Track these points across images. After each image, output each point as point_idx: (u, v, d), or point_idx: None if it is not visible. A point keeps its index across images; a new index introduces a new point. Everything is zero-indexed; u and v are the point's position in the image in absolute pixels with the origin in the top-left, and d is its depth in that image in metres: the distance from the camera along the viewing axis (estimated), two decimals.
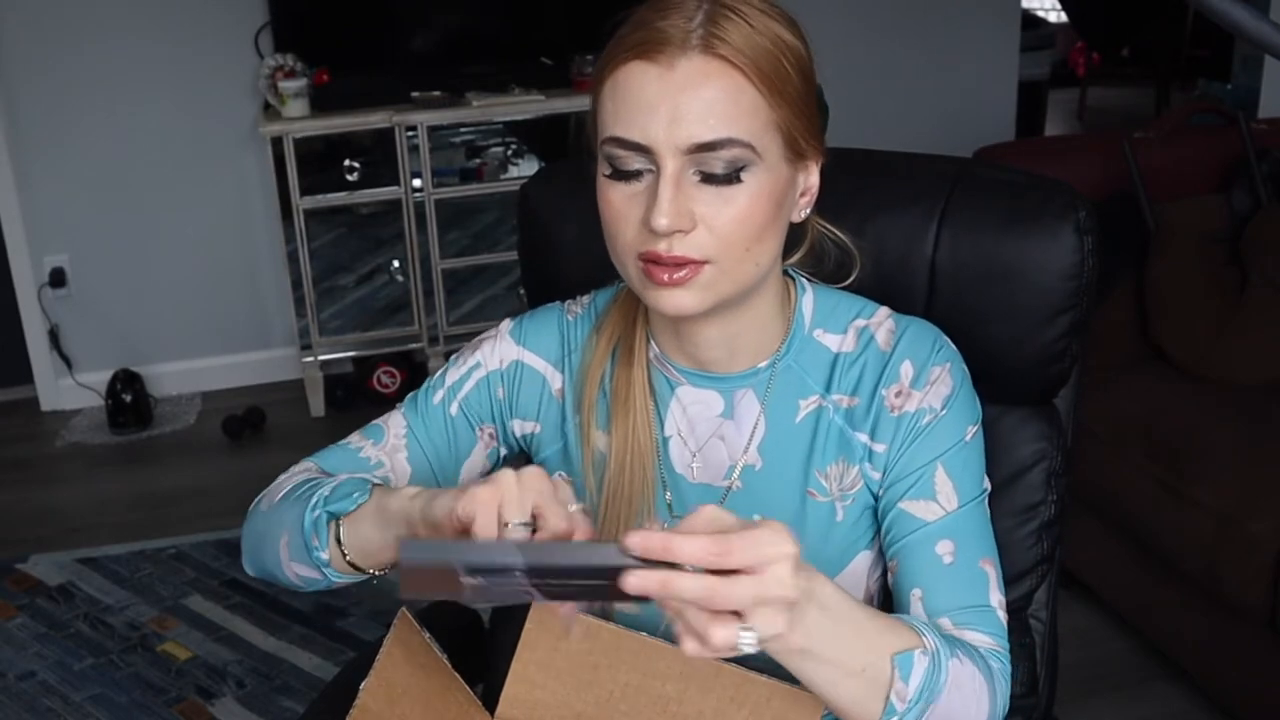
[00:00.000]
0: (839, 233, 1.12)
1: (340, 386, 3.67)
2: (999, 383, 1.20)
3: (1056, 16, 7.34)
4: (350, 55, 3.52)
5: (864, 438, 1.06)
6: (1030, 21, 5.97)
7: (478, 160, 3.50)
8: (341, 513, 0.98)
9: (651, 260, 0.95)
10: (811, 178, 1.02)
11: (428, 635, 1.03)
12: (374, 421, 1.15)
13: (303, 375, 3.64)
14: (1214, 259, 2.52)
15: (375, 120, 3.40)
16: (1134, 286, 2.55)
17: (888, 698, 0.88)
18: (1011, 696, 1.20)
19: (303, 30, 3.51)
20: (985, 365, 1.14)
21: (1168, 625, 2.29)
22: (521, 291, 3.94)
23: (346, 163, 3.41)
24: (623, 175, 0.95)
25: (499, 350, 1.14)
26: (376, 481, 1.02)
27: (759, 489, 1.07)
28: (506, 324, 1.16)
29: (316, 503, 0.99)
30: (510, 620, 1.35)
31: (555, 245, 1.33)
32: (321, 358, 3.58)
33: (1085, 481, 2.34)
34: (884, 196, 1.25)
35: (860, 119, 4.00)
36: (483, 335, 1.17)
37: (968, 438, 1.05)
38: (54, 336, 3.71)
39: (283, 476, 1.10)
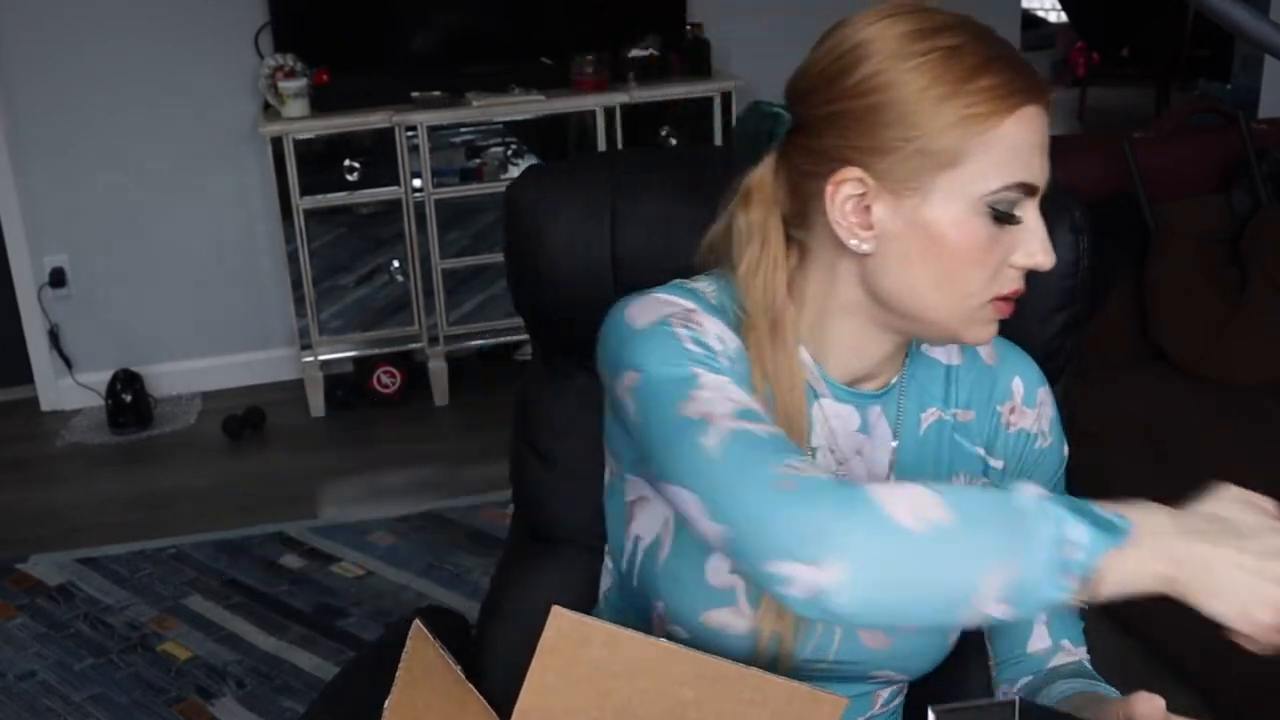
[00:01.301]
0: None
1: (340, 386, 3.67)
2: None
3: (1056, 16, 7.34)
4: (350, 55, 3.52)
5: (981, 451, 1.09)
6: (1030, 21, 5.98)
7: (478, 160, 3.50)
8: (1116, 545, 0.81)
9: (1011, 298, 0.97)
10: None
11: (441, 646, 1.02)
12: (727, 409, 0.91)
13: (303, 375, 3.64)
14: (1214, 259, 2.52)
15: (375, 120, 3.40)
16: (1134, 286, 2.55)
17: None
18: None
19: (303, 30, 3.51)
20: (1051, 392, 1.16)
21: (1168, 626, 2.29)
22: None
23: (346, 163, 3.41)
24: (1003, 218, 0.94)
25: (715, 333, 0.98)
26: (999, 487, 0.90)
27: None
28: (685, 301, 0.99)
29: (1068, 536, 0.80)
30: (496, 624, 1.35)
31: (542, 248, 1.32)
32: (321, 358, 3.58)
33: (1085, 481, 2.34)
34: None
35: None
36: (670, 312, 0.98)
37: (1065, 463, 1.12)
38: (54, 336, 3.71)
39: (834, 483, 0.84)
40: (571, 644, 0.96)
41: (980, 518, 0.82)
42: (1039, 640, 1.08)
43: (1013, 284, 0.96)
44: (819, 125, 0.96)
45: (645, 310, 0.99)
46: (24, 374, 3.74)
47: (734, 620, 1.03)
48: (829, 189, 0.96)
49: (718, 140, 3.61)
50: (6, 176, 3.54)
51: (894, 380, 1.07)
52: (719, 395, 0.91)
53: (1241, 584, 0.80)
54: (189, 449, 3.51)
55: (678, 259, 1.15)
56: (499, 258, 4.07)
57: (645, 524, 1.06)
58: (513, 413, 1.39)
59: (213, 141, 3.65)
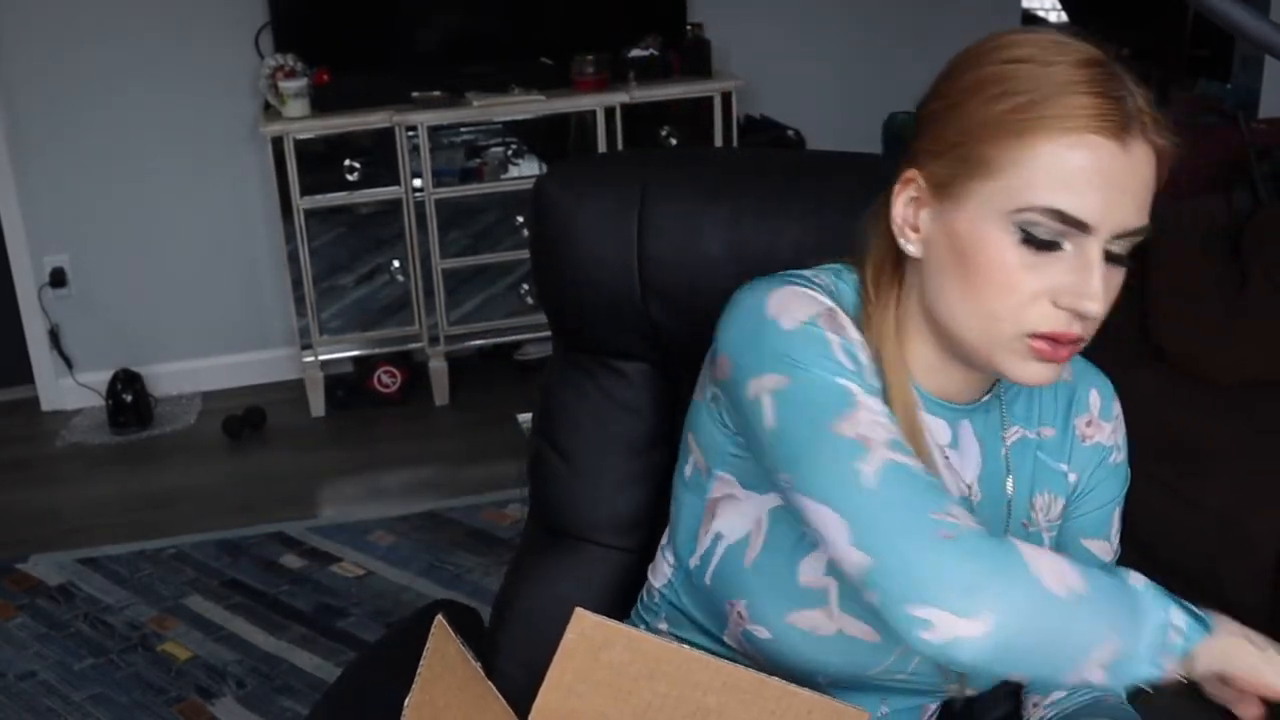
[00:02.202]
0: None
1: (340, 386, 3.67)
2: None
3: (1056, 16, 7.34)
4: (350, 55, 3.52)
5: (1064, 467, 1.10)
6: (1030, 21, 5.97)
7: (478, 160, 3.50)
8: (1206, 637, 0.92)
9: (1050, 339, 0.92)
10: None
11: (462, 642, 1.02)
12: (880, 436, 0.91)
13: (303, 375, 3.64)
14: (1214, 259, 2.52)
15: (375, 120, 3.40)
16: (1134, 286, 2.55)
17: None
18: (1012, 694, 1.21)
19: (303, 30, 3.51)
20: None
21: None
22: (524, 289, 3.94)
23: (346, 163, 3.40)
24: (1037, 244, 0.90)
25: (850, 348, 0.96)
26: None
27: (980, 519, 1.04)
28: (826, 302, 0.97)
29: (1167, 623, 0.90)
30: (511, 621, 1.35)
31: (568, 241, 1.31)
32: (322, 357, 3.57)
33: None
34: (876, 198, 1.25)
35: (860, 119, 3.99)
36: (814, 316, 0.95)
37: (1129, 481, 1.13)
38: (54, 336, 3.71)
39: (998, 542, 0.88)
40: (593, 646, 0.96)
41: (1107, 592, 0.88)
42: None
43: (1051, 323, 0.91)
44: (917, 128, 0.97)
45: (789, 303, 0.96)
46: (24, 374, 3.74)
47: (823, 622, 1.02)
48: (896, 189, 0.97)
49: (718, 140, 3.61)
50: (6, 176, 3.54)
51: (984, 397, 1.06)
52: (875, 420, 0.92)
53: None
54: (189, 449, 3.51)
55: (704, 256, 1.15)
56: (499, 258, 4.07)
57: (731, 522, 1.05)
58: (534, 409, 1.39)
59: (213, 141, 3.65)
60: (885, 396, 0.96)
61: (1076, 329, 0.91)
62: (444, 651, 0.98)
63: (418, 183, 3.45)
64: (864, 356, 0.96)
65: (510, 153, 3.52)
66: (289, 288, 3.51)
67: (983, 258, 0.91)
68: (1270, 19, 0.65)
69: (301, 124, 3.36)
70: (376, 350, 3.61)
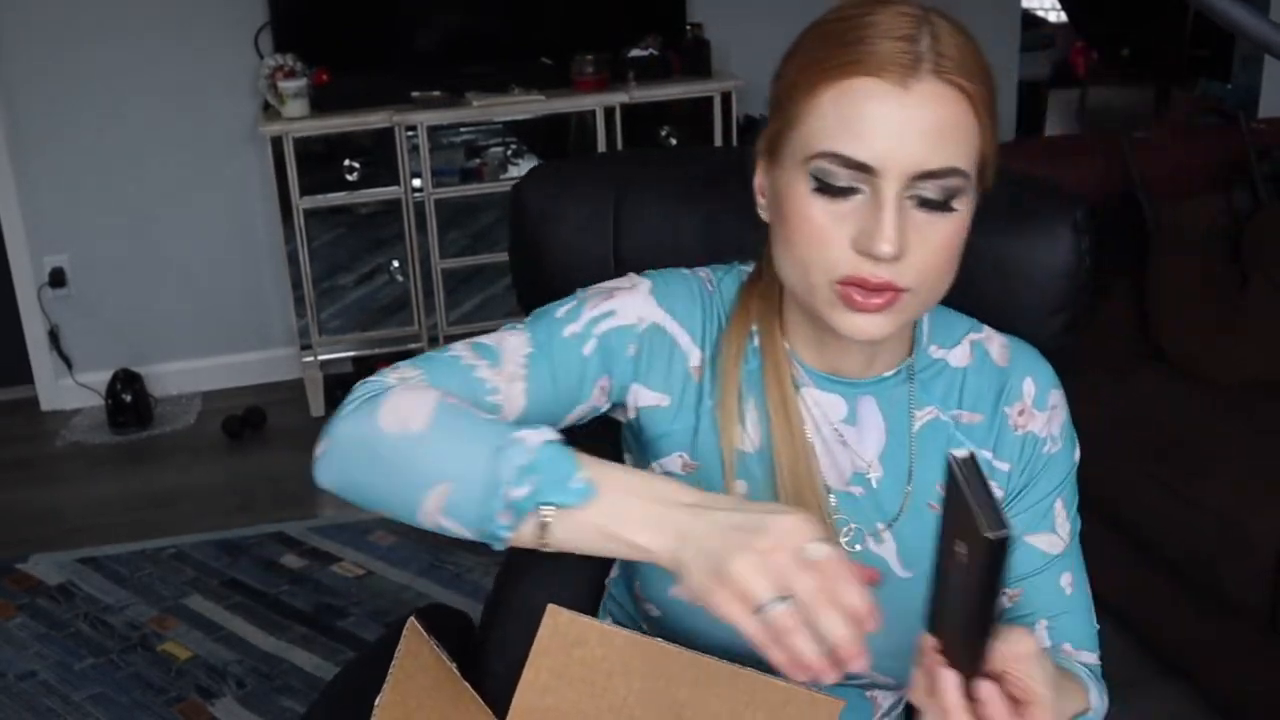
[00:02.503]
0: None
1: (340, 386, 3.66)
2: None
3: (1056, 16, 7.34)
4: (350, 55, 3.52)
5: (988, 454, 1.07)
6: (1030, 21, 5.97)
7: (478, 160, 3.50)
8: (564, 504, 0.85)
9: (855, 284, 0.92)
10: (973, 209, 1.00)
11: (436, 643, 1.02)
12: (483, 339, 1.04)
13: (303, 375, 3.64)
14: (1214, 259, 2.52)
15: (375, 120, 3.40)
16: (1134, 286, 2.55)
17: None
18: None
19: (303, 30, 3.51)
20: (1064, 394, 1.16)
21: (1168, 625, 2.29)
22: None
23: (346, 163, 3.41)
24: (833, 191, 0.91)
25: (637, 307, 1.05)
26: (562, 441, 0.88)
27: (881, 498, 1.07)
28: (644, 283, 1.06)
29: (512, 479, 0.84)
30: (500, 622, 1.35)
31: (547, 246, 1.33)
32: (321, 357, 3.58)
33: (1085, 481, 2.34)
34: None
35: None
36: (611, 284, 1.06)
37: (1075, 466, 1.10)
38: (54, 336, 3.71)
39: (400, 387, 0.93)
40: (566, 643, 0.96)
41: (454, 438, 0.88)
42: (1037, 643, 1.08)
43: (853, 267, 0.91)
44: None
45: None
46: (24, 374, 3.74)
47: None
48: (753, 159, 1.01)
49: (718, 140, 3.61)
50: (6, 176, 3.54)
51: (889, 373, 1.06)
52: (509, 339, 1.05)
53: (702, 546, 0.82)
54: (189, 449, 3.51)
55: (679, 258, 1.15)
56: (499, 258, 4.08)
57: None
58: None
59: (213, 141, 3.65)
60: (762, 377, 1.03)
61: (884, 274, 0.91)
62: (417, 653, 0.98)
63: (417, 183, 3.45)
64: (633, 317, 1.03)
65: (510, 153, 3.52)
66: (289, 288, 3.51)
67: (790, 209, 0.94)
68: (1270, 19, 0.65)
69: (301, 124, 3.36)
70: (376, 350, 3.61)
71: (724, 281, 1.09)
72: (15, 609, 2.73)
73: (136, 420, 3.60)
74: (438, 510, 0.87)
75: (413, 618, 1.00)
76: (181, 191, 3.68)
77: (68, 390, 3.74)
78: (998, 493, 0.80)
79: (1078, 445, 1.11)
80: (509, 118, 3.49)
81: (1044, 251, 1.18)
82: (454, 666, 1.03)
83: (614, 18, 3.67)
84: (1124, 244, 2.58)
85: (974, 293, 1.20)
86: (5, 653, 2.57)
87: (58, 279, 3.66)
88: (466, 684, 1.04)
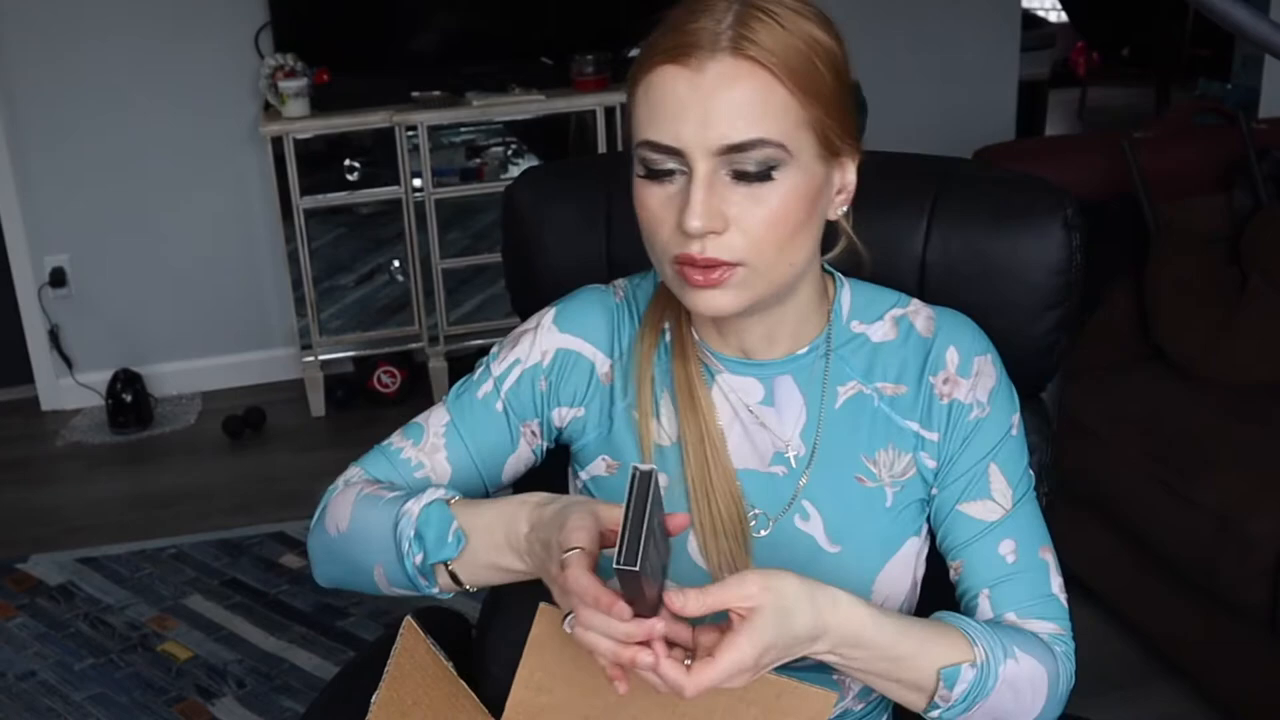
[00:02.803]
0: (852, 232, 1.11)
1: (340, 386, 3.67)
2: None
3: (1056, 16, 7.34)
4: (350, 55, 3.52)
5: (914, 425, 1.07)
6: (1030, 21, 5.97)
7: (478, 160, 3.50)
8: (447, 559, 0.99)
9: (686, 263, 0.96)
10: (848, 175, 1.03)
11: (433, 642, 1.02)
12: (416, 419, 1.14)
13: (303, 375, 3.64)
14: (1214, 259, 2.52)
15: (375, 120, 3.40)
16: (1134, 286, 2.55)
17: (932, 698, 0.97)
18: None
19: (303, 30, 3.51)
20: (998, 361, 1.15)
21: (1168, 625, 2.29)
22: None
23: (346, 163, 3.40)
24: (656, 176, 0.96)
25: (540, 343, 1.12)
26: (447, 497, 1.02)
27: (803, 475, 1.08)
28: (549, 314, 1.13)
29: (410, 549, 0.99)
30: (498, 623, 1.35)
31: (539, 247, 1.34)
32: (321, 358, 3.57)
33: (1085, 482, 2.34)
34: (874, 195, 1.25)
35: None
36: (522, 329, 1.15)
37: (1013, 430, 1.08)
38: (54, 336, 3.71)
39: (339, 491, 1.10)
40: (559, 640, 0.97)
41: (367, 528, 1.04)
42: (982, 615, 1.06)
43: (680, 246, 0.95)
44: None
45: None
46: (24, 374, 3.74)
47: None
48: None
49: None
50: (6, 176, 3.54)
51: (802, 350, 1.07)
52: (432, 414, 1.15)
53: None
54: (189, 449, 3.51)
55: None
56: (499, 257, 4.07)
57: None
58: None
59: (213, 141, 3.65)
60: (670, 372, 1.08)
61: (711, 251, 0.95)
62: (413, 651, 0.98)
63: (417, 182, 3.45)
64: (536, 356, 1.11)
65: (510, 152, 3.52)
66: (289, 288, 3.51)
67: (635, 198, 0.99)
68: (1270, 19, 0.65)
69: (301, 124, 3.36)
70: (376, 350, 3.61)
71: (641, 286, 1.14)
72: (15, 609, 2.73)
73: (137, 420, 3.60)
74: (385, 586, 1.04)
75: (409, 617, 1.00)
76: (182, 191, 3.68)
77: (68, 390, 3.74)
78: (657, 521, 0.83)
79: (1019, 410, 1.09)
80: (509, 118, 3.49)
81: (1035, 248, 1.19)
82: (450, 665, 1.04)
83: (614, 18, 3.67)
84: (1124, 244, 2.58)
85: (966, 290, 1.21)
86: (5, 653, 2.57)
87: (58, 279, 3.66)
88: (463, 682, 1.04)
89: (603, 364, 1.11)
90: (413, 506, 1.00)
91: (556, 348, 1.12)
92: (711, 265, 0.95)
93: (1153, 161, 2.64)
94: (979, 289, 1.20)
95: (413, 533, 0.99)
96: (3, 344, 3.72)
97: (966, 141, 3.05)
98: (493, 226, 3.53)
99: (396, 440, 1.14)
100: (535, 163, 3.50)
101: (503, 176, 3.50)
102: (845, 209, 1.04)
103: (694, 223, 0.93)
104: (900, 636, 0.94)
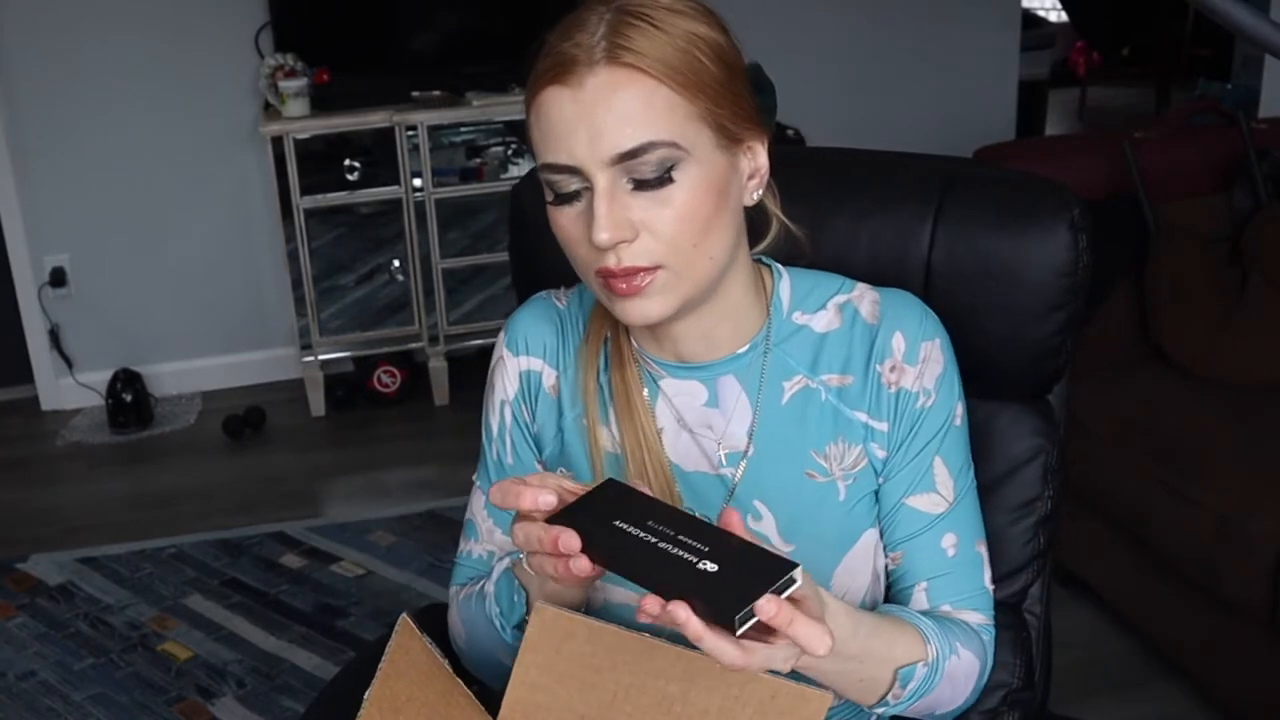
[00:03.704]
0: (784, 218, 1.10)
1: (340, 386, 3.67)
2: (994, 379, 1.21)
3: (1056, 16, 7.34)
4: (350, 55, 3.52)
5: (863, 416, 1.06)
6: (1030, 21, 5.97)
7: (478, 160, 3.50)
8: (522, 618, 1.04)
9: (606, 275, 0.96)
10: (758, 159, 1.02)
11: (428, 640, 1.02)
12: (467, 516, 1.20)
13: (303, 375, 3.64)
14: (1214, 259, 2.52)
15: (375, 120, 3.40)
16: (1134, 286, 2.55)
17: (884, 696, 0.99)
18: (1009, 690, 1.22)
19: (303, 30, 3.51)
20: (981, 361, 1.15)
21: (1168, 625, 2.29)
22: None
23: (346, 162, 3.40)
24: (563, 199, 0.97)
25: (507, 374, 1.15)
26: (512, 562, 1.07)
27: (757, 475, 1.07)
28: (502, 339, 1.16)
29: (501, 625, 1.07)
30: None
31: (545, 246, 1.33)
32: (321, 357, 3.57)
33: (1085, 482, 2.34)
34: (879, 196, 1.26)
35: (860, 119, 4.00)
36: (491, 363, 1.18)
37: (957, 421, 1.07)
38: (54, 336, 3.71)
39: (451, 611, 1.18)
40: (555, 638, 0.97)
41: (474, 626, 1.12)
42: (917, 606, 1.07)
43: (600, 260, 0.96)
44: None
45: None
46: (24, 374, 3.74)
47: (593, 595, 1.07)
48: None
49: None
50: (6, 176, 3.54)
51: (742, 348, 1.07)
52: (473, 503, 1.19)
53: None
54: (189, 449, 3.51)
55: None
56: (499, 257, 4.07)
57: None
58: None
59: (213, 141, 3.65)
60: (609, 379, 1.09)
61: (625, 260, 0.95)
62: (408, 647, 0.98)
63: (417, 182, 3.45)
64: (512, 386, 1.14)
65: (510, 152, 3.52)
66: (289, 288, 3.51)
67: (554, 226, 1.00)
68: (1270, 19, 0.65)
69: (301, 124, 3.36)
70: (376, 350, 3.61)
71: (585, 293, 1.15)
72: (15, 609, 2.73)
73: (137, 420, 3.60)
74: (505, 656, 1.05)
75: (404, 615, 1.00)
76: (182, 191, 3.68)
77: (68, 390, 3.75)
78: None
79: (961, 398, 1.08)
80: (509, 117, 3.48)
81: (1042, 250, 1.18)
82: (446, 662, 1.04)
83: None
84: (1124, 244, 2.58)
85: (971, 291, 1.21)
86: (5, 653, 2.57)
87: (58, 279, 3.66)
88: (459, 680, 1.04)
89: (549, 376, 1.13)
90: (488, 586, 1.09)
91: (519, 372, 1.15)
92: (630, 273, 0.95)
93: (1153, 161, 2.64)
94: (984, 290, 1.20)
95: (496, 610, 1.06)
96: (3, 344, 3.72)
97: (966, 141, 3.05)
98: (493, 226, 3.53)
99: (462, 546, 1.20)
100: (535, 163, 3.51)
101: (503, 176, 3.50)
102: (760, 193, 1.03)
103: (601, 235, 0.93)
104: (871, 639, 0.96)
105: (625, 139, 0.92)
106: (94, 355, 3.74)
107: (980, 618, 1.08)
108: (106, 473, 3.40)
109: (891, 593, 1.09)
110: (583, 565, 0.86)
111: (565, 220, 0.98)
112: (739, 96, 0.98)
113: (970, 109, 4.19)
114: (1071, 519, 2.36)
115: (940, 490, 1.06)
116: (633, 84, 0.93)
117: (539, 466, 1.14)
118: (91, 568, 2.88)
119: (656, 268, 0.96)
